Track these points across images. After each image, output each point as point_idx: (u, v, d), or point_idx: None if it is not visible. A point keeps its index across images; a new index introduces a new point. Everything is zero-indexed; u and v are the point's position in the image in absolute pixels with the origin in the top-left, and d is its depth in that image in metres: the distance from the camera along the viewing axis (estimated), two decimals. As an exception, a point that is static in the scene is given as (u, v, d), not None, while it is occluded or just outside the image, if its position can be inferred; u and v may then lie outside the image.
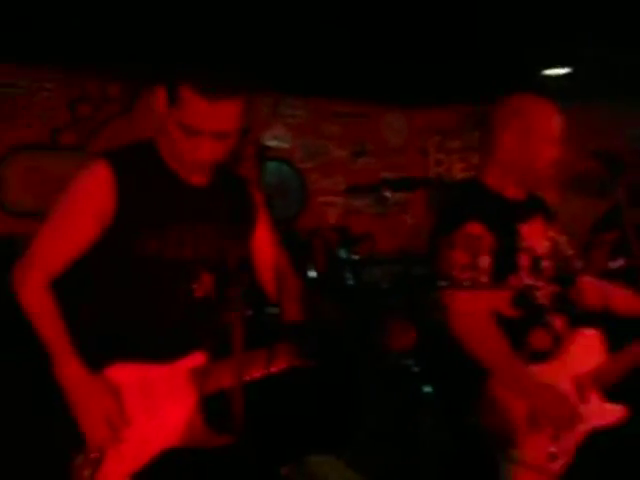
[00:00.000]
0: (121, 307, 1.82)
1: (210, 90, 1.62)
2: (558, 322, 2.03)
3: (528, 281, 2.00)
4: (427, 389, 3.04)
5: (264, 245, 1.95)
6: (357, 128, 5.44)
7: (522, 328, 1.99)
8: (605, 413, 2.01)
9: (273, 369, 1.88)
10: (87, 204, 1.74)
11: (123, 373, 1.78)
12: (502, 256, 1.98)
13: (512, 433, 1.98)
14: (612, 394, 2.05)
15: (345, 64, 4.48)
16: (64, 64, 4.47)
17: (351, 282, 3.48)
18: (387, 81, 4.69)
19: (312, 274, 3.54)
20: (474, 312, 1.96)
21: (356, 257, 3.65)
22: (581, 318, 2.12)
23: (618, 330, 2.07)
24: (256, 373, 1.82)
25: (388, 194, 3.63)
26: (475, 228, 2.00)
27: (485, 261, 1.98)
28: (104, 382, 1.74)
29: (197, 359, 1.84)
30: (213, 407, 1.84)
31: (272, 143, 5.05)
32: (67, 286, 1.81)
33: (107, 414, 1.72)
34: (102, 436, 1.71)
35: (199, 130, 1.66)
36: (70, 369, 1.72)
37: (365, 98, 5.17)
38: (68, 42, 4.11)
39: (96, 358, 1.76)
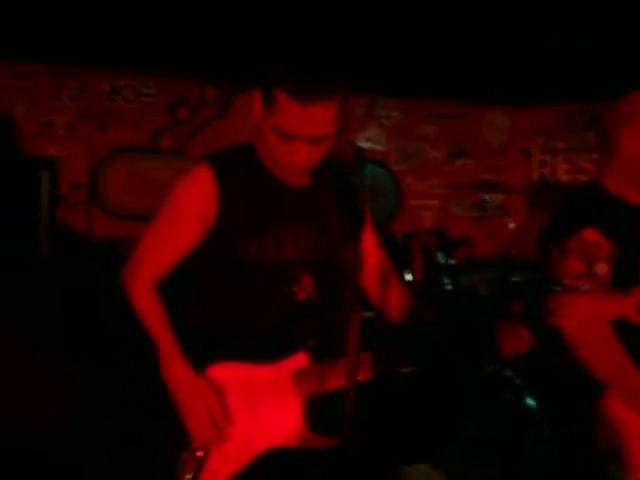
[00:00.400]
0: (223, 309, 1.84)
1: (303, 94, 1.60)
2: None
3: (656, 292, 1.87)
4: (530, 402, 2.92)
5: (369, 247, 1.92)
6: (455, 129, 5.31)
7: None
8: None
9: (376, 373, 1.85)
10: (190, 208, 1.77)
11: (226, 373, 1.80)
12: (625, 266, 1.86)
13: (631, 453, 1.86)
14: None
15: (443, 63, 4.38)
16: (162, 69, 4.58)
17: (449, 287, 3.39)
18: (488, 80, 4.56)
19: (409, 277, 3.47)
20: (593, 319, 1.85)
21: (454, 261, 3.54)
22: None
23: None
24: (360, 376, 1.79)
25: (487, 197, 3.52)
26: (591, 234, 1.90)
27: (602, 269, 1.87)
28: (208, 382, 1.76)
29: (300, 360, 1.83)
30: (316, 408, 1.81)
31: (366, 145, 5.00)
32: (171, 288, 1.84)
33: (211, 413, 1.73)
34: (206, 435, 1.73)
35: (294, 134, 1.65)
36: (176, 369, 1.74)
37: (464, 98, 5.04)
38: (166, 47, 4.21)
39: (199, 358, 1.77)
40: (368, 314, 2.00)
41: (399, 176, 5.24)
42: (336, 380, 1.77)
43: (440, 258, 3.45)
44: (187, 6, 3.83)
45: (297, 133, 1.64)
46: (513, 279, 3.19)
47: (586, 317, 1.85)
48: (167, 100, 4.77)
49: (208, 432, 1.73)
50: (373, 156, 5.04)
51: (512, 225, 3.33)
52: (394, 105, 5.20)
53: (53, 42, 4.14)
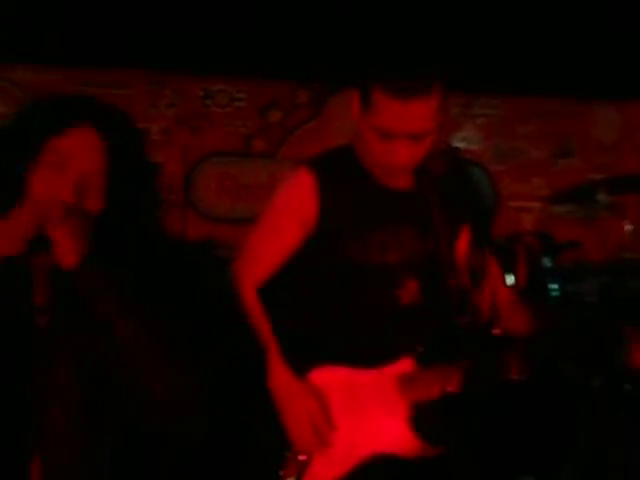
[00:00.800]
0: (325, 313, 1.83)
1: (402, 90, 1.59)
2: None
3: None
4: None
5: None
6: (559, 127, 5.06)
7: None
8: None
9: (484, 380, 1.78)
10: (291, 212, 1.76)
11: (328, 377, 1.78)
12: None
13: None
14: None
15: (548, 57, 4.20)
16: (254, 72, 4.60)
17: (555, 293, 3.20)
18: (596, 74, 4.33)
19: (510, 281, 3.30)
20: None
21: (561, 266, 3.35)
22: None
23: None
24: (468, 383, 1.73)
25: (603, 197, 3.30)
26: None
27: None
28: (309, 386, 1.74)
29: (405, 365, 1.79)
30: (422, 415, 1.74)
31: (460, 145, 4.86)
32: (269, 292, 1.82)
33: (312, 419, 1.70)
34: (308, 440, 1.70)
35: (393, 133, 1.61)
36: (277, 373, 1.73)
37: (571, 93, 4.80)
38: (258, 51, 4.22)
39: (300, 362, 1.75)
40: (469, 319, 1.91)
41: (496, 177, 5.06)
42: (443, 386, 1.71)
43: (546, 262, 3.26)
44: (278, 10, 3.83)
45: (397, 131, 1.62)
46: (630, 285, 2.97)
47: None
48: (259, 104, 4.78)
49: (309, 437, 1.69)
50: (468, 156, 4.89)
51: (628, 227, 3.11)
52: (492, 103, 5.01)
53: (149, 51, 4.23)
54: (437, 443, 1.74)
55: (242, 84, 4.75)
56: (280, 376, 1.72)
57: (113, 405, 1.23)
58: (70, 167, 1.25)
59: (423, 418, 1.77)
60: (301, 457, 1.71)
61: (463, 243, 1.85)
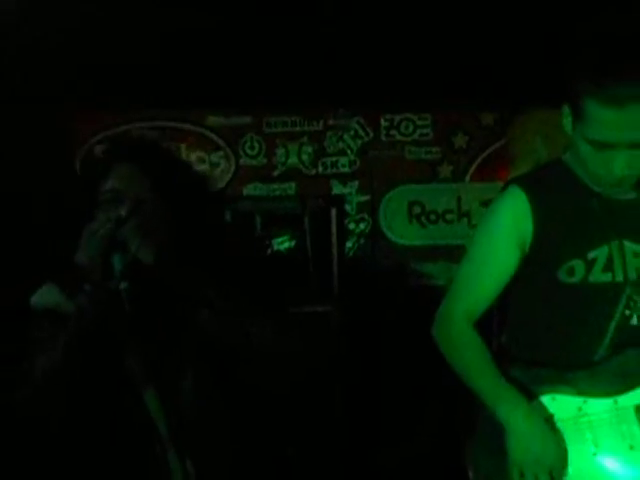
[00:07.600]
0: (543, 338, 1.74)
1: (616, 97, 1.49)
2: None
3: None
4: None
5: None
6: None
7: None
8: None
9: None
10: (508, 235, 1.69)
11: (554, 407, 1.67)
12: None
13: None
14: None
15: None
16: (436, 99, 4.61)
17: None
18: None
19: None
20: None
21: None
22: None
23: None
24: None
25: None
26: None
27: None
28: (555, 435, 1.60)
29: None
30: None
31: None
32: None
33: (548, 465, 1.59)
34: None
35: (610, 143, 1.52)
36: (515, 414, 1.61)
37: None
38: (438, 76, 4.24)
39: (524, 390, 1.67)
40: None
41: None
42: None
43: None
44: (458, 36, 3.84)
45: (614, 141, 1.52)
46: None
47: None
48: (443, 130, 4.78)
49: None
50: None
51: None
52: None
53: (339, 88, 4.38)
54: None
55: (425, 112, 4.78)
56: (518, 417, 1.59)
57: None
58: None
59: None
60: None
61: None
